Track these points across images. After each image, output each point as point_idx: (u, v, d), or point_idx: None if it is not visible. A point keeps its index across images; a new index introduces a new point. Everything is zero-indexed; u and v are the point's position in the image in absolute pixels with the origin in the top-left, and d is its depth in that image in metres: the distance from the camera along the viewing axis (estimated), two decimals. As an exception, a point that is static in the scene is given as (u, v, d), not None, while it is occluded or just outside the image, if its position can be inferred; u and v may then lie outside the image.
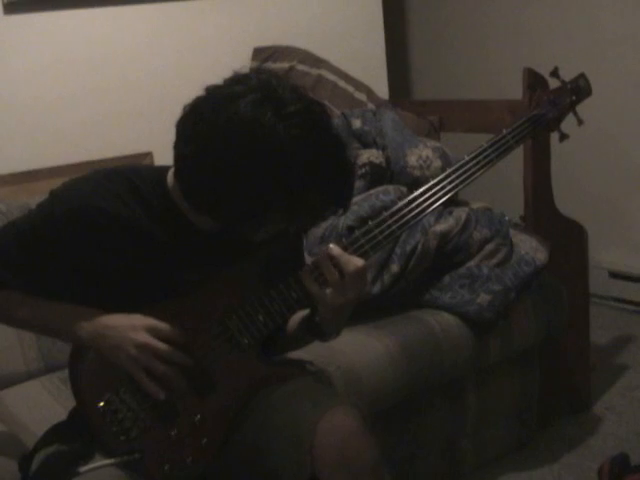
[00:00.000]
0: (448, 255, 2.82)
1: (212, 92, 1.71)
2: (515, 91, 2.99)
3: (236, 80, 1.72)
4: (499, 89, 3.64)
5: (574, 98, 2.36)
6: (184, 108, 1.73)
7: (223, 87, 1.71)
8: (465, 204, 3.02)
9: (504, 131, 2.18)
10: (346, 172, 1.78)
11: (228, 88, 1.69)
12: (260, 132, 1.63)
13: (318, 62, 3.65)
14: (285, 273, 1.86)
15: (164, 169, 1.88)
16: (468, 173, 2.07)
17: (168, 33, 3.39)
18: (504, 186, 3.75)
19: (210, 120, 1.66)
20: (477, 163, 2.09)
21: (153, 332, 1.78)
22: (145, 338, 1.77)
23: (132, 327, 1.78)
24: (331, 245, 1.83)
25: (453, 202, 2.97)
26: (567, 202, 3.30)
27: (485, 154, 2.11)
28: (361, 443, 1.77)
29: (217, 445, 1.87)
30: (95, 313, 1.82)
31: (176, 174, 1.78)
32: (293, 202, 1.72)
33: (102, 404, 1.81)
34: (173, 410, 1.83)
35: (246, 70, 1.80)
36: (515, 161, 3.05)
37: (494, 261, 2.85)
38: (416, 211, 1.96)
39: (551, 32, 4.34)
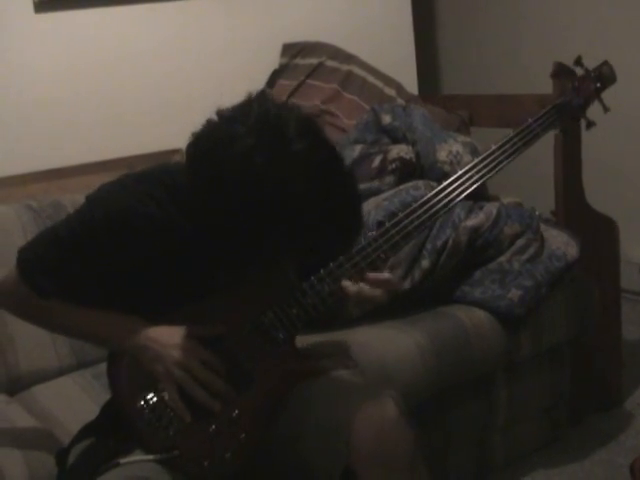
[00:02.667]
0: (479, 250, 2.81)
1: (212, 129, 1.66)
2: (546, 85, 2.97)
3: (236, 116, 1.65)
4: (529, 83, 3.61)
5: (598, 85, 2.37)
6: (192, 134, 1.68)
7: (224, 123, 1.66)
8: (496, 199, 3.01)
9: (529, 120, 2.20)
10: (348, 222, 1.74)
11: (227, 126, 1.63)
12: (249, 180, 1.58)
13: (347, 58, 3.65)
14: (317, 266, 1.87)
15: None
16: (495, 162, 2.09)
17: (197, 30, 3.40)
18: (534, 181, 3.73)
19: (206, 161, 1.63)
20: (504, 152, 2.11)
21: (194, 354, 1.81)
22: (186, 359, 1.80)
23: (176, 345, 1.81)
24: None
25: (484, 197, 2.95)
26: (598, 197, 3.28)
27: (512, 142, 2.13)
28: (398, 435, 1.78)
29: (256, 440, 1.87)
30: (139, 324, 1.85)
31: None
32: (287, 247, 1.71)
33: (141, 403, 1.83)
34: None
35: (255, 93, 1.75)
36: (545, 156, 3.04)
37: (525, 256, 2.84)
38: (445, 201, 1.97)
39: (582, 25, 4.31)
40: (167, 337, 1.83)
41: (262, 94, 2.79)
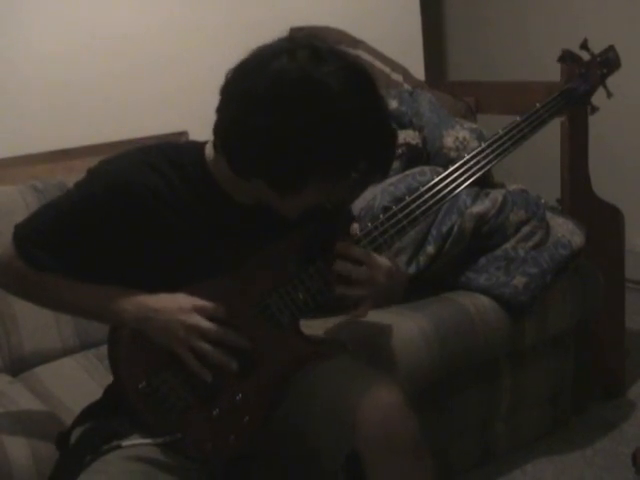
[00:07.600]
0: (484, 237, 2.80)
1: (256, 51, 1.72)
2: (553, 72, 2.97)
3: (280, 39, 1.73)
4: (537, 70, 3.61)
5: (604, 71, 2.38)
6: (227, 74, 1.73)
7: (267, 45, 1.71)
8: (501, 186, 3.00)
9: (537, 105, 2.21)
10: (389, 134, 1.77)
11: (273, 46, 1.70)
12: (308, 83, 1.63)
13: (354, 43, 3.63)
14: (324, 250, 1.86)
15: (202, 143, 1.88)
16: (502, 148, 2.10)
17: (204, 12, 3.39)
18: (540, 169, 3.73)
19: (257, 75, 1.66)
20: (511, 138, 2.12)
21: (201, 312, 1.78)
22: (194, 319, 1.76)
23: (180, 309, 1.77)
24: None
25: (489, 184, 2.95)
26: (604, 185, 3.28)
27: (519, 128, 2.14)
28: (403, 421, 1.77)
29: (259, 423, 1.87)
30: (139, 295, 1.81)
31: (219, 141, 1.76)
32: (337, 160, 1.70)
33: (143, 384, 1.80)
34: (214, 389, 1.83)
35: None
36: (552, 144, 3.03)
37: (530, 243, 2.83)
38: (452, 186, 1.98)
39: (590, 11, 4.29)
40: (170, 303, 1.78)
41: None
